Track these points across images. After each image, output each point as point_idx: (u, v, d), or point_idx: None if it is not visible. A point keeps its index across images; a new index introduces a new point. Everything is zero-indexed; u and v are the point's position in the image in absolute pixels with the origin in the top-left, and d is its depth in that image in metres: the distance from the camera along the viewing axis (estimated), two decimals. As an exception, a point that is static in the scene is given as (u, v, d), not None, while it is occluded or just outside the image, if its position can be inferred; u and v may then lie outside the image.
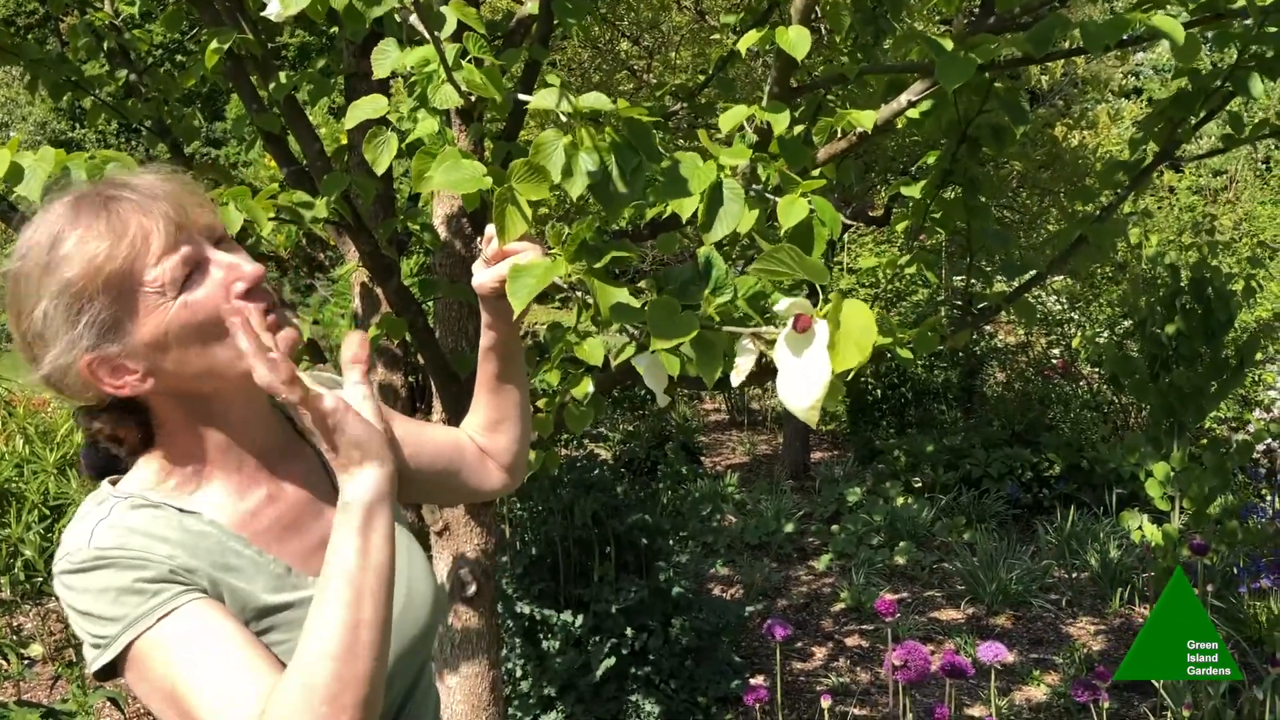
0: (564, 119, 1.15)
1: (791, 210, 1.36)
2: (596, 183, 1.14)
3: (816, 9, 1.83)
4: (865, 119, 1.78)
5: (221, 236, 1.01)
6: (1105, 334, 6.69)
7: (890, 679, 3.46)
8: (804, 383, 1.00)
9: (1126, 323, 6.93)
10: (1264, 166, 14.12)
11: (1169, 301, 3.84)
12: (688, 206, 1.77)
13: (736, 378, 1.13)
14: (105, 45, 2.89)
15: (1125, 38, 1.58)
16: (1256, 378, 6.33)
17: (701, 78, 2.85)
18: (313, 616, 0.90)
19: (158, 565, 0.93)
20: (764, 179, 1.47)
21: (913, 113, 2.01)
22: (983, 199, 2.11)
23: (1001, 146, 1.98)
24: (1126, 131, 10.30)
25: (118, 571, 0.92)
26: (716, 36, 6.38)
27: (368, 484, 0.95)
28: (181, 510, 0.99)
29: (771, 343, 1.07)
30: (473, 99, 1.29)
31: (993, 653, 2.62)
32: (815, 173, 2.02)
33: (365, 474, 0.95)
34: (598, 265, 1.16)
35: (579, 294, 1.21)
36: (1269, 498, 5.22)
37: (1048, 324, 7.39)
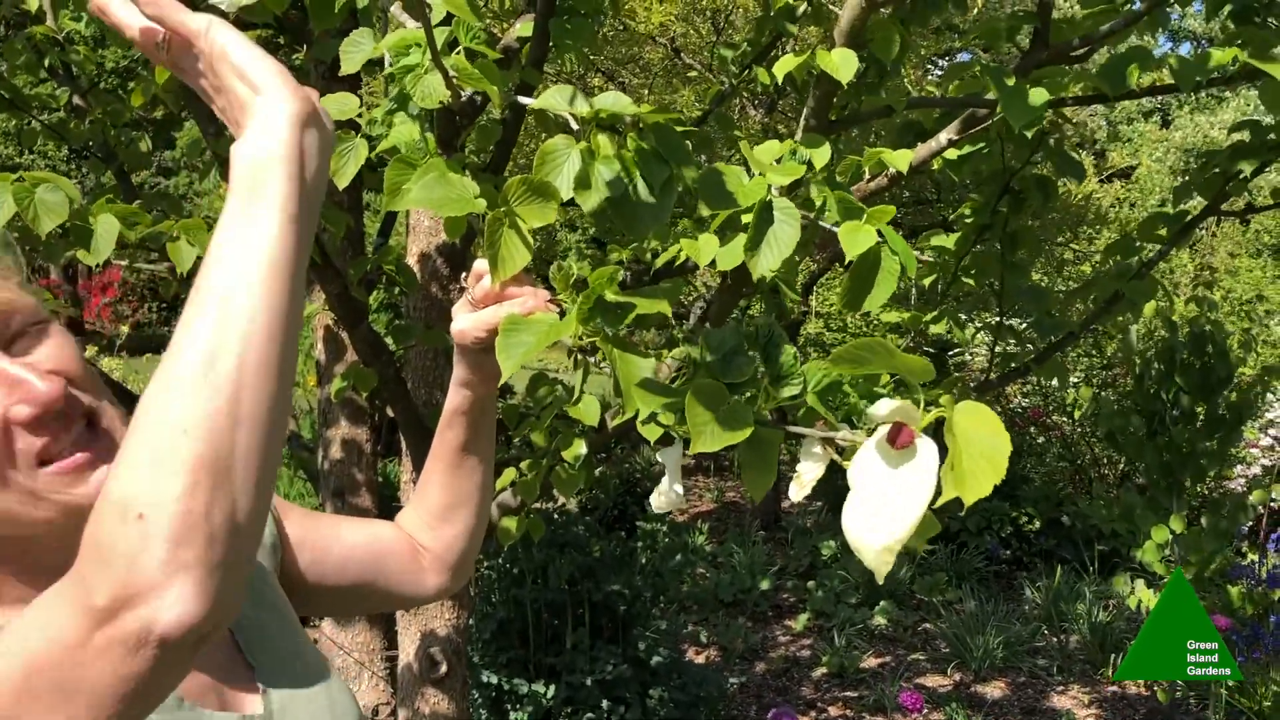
0: (575, 126, 0.92)
1: (857, 238, 1.12)
2: (617, 196, 0.90)
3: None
4: (900, 159, 1.58)
5: (19, 332, 0.72)
6: (1082, 384, 6.57)
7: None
8: (888, 514, 0.73)
9: (1103, 373, 6.83)
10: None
11: (1167, 356, 3.70)
12: (705, 252, 1.54)
13: (798, 492, 0.87)
14: (46, 62, 2.64)
15: (1216, 75, 1.40)
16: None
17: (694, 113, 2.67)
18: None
19: None
20: (818, 204, 1.24)
21: (950, 153, 1.83)
22: (1021, 255, 1.92)
23: (1047, 201, 1.80)
24: (1102, 186, 10.33)
25: None
26: (693, 74, 6.25)
27: (257, 133, 0.65)
28: None
29: (844, 450, 0.83)
30: (464, 95, 1.05)
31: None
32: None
33: (258, 118, 0.65)
34: (619, 329, 0.92)
35: (589, 359, 0.97)
36: (1255, 558, 5.09)
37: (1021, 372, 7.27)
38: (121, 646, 0.54)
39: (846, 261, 1.13)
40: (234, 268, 0.61)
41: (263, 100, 0.66)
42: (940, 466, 0.73)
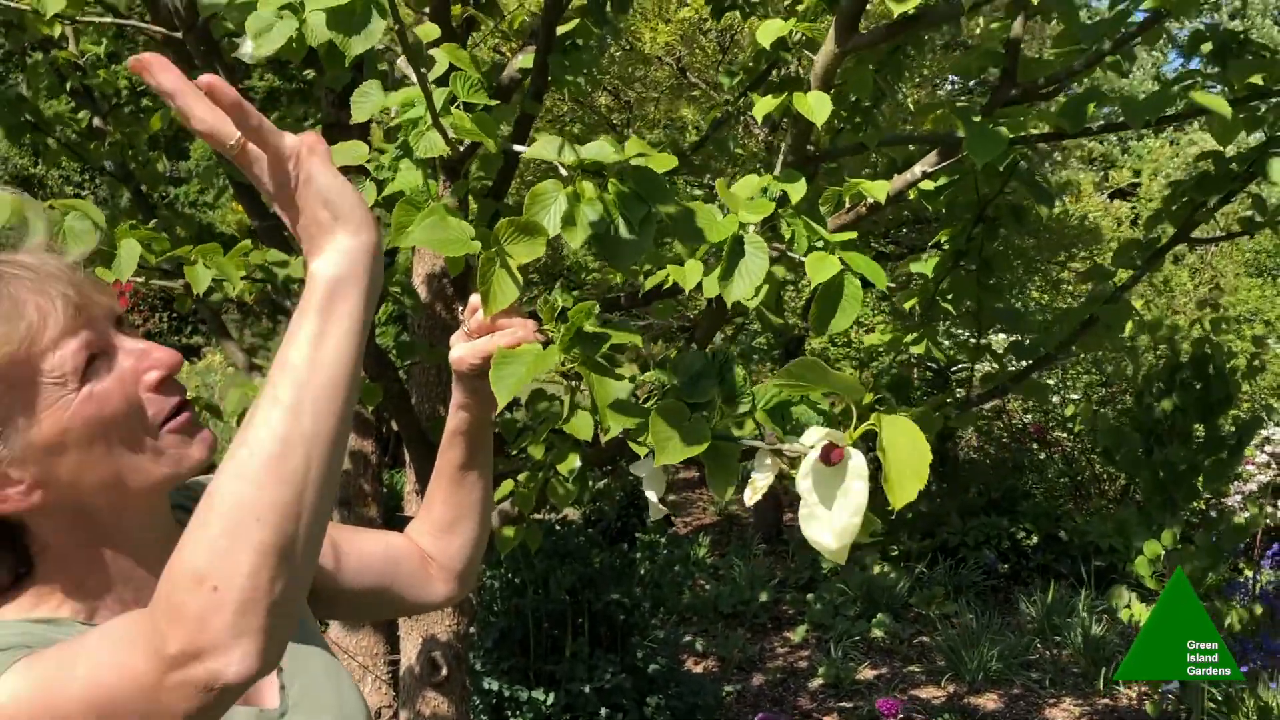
0: (565, 173, 1.02)
1: (822, 265, 1.22)
2: (600, 232, 1.00)
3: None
4: (878, 189, 1.67)
5: (122, 319, 0.86)
6: (1082, 401, 6.64)
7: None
8: (833, 520, 0.87)
9: (1102, 390, 6.89)
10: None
11: (1167, 375, 3.76)
12: (691, 276, 1.64)
13: (752, 497, 0.99)
14: (68, 85, 2.75)
15: (1167, 114, 1.49)
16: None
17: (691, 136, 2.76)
18: (242, 426, 0.72)
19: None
20: (788, 237, 1.33)
21: (926, 184, 1.92)
22: (996, 279, 2.01)
23: (1022, 227, 1.89)
24: (1103, 203, 10.39)
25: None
26: (697, 93, 6.35)
27: (338, 257, 0.75)
28: (86, 624, 0.82)
29: (794, 461, 0.94)
30: (462, 146, 1.14)
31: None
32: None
33: (337, 244, 0.76)
34: (596, 356, 1.02)
35: (572, 384, 1.07)
36: (1249, 574, 5.14)
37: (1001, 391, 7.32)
38: (190, 688, 0.66)
39: (813, 286, 1.23)
40: (307, 383, 0.72)
41: (344, 228, 0.76)
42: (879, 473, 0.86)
